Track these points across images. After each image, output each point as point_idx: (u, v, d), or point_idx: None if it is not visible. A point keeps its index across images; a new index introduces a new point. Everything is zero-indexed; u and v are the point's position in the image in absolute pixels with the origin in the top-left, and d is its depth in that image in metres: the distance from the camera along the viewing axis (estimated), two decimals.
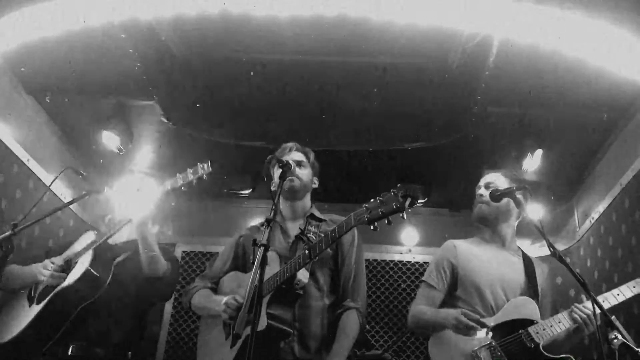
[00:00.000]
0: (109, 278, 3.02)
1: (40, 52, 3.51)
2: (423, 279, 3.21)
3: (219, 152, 4.62)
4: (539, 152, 4.08)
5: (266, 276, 2.80)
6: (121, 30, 3.39)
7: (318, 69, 3.78)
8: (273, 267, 2.87)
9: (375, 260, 5.10)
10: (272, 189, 3.28)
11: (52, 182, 3.23)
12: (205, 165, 3.01)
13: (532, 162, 4.12)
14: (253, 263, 2.87)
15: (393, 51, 3.54)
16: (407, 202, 2.44)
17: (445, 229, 5.22)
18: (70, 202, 3.35)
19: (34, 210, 3.09)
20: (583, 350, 3.91)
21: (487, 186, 3.19)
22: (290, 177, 3.12)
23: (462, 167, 4.65)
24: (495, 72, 3.54)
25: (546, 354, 2.78)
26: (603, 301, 2.79)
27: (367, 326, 4.85)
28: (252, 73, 3.84)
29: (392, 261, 5.13)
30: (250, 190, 5.12)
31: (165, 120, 4.25)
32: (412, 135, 4.35)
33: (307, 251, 2.73)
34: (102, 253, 3.09)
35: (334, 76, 3.83)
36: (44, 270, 3.07)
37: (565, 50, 3.25)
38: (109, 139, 4.18)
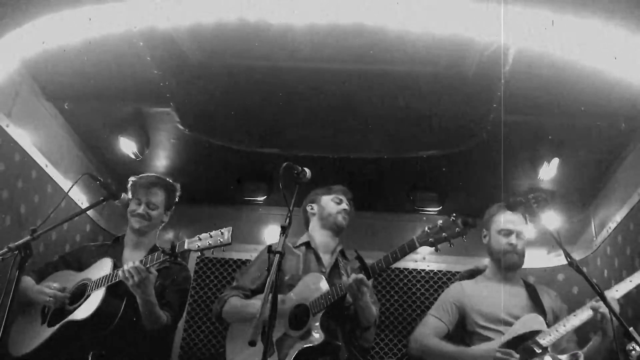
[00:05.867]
0: (119, 315, 3.08)
1: (60, 59, 3.55)
2: (430, 312, 3.39)
3: (235, 158, 4.65)
4: (555, 161, 4.05)
5: (315, 295, 3.06)
6: (140, 38, 3.42)
7: (334, 77, 3.79)
8: (321, 287, 3.09)
9: (389, 268, 5.07)
10: (309, 210, 3.73)
11: (70, 189, 3.28)
12: (227, 233, 2.95)
13: (549, 171, 4.10)
14: (290, 286, 3.06)
15: (409, 59, 3.54)
16: (467, 228, 2.67)
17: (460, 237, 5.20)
18: (88, 208, 3.40)
19: (52, 215, 3.12)
20: None
21: (519, 235, 3.29)
22: (343, 216, 3.56)
23: (478, 176, 4.63)
24: (511, 81, 3.52)
25: (554, 354, 2.89)
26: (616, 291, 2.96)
27: (380, 334, 4.84)
28: (267, 80, 3.86)
29: (406, 269, 5.11)
30: (265, 196, 5.14)
31: (181, 127, 4.28)
32: (427, 142, 4.34)
33: (363, 271, 2.96)
34: (115, 287, 3.12)
35: (350, 84, 3.84)
36: (46, 297, 3.15)
37: (582, 59, 3.23)
38: (126, 145, 4.22)
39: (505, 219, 3.37)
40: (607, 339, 2.93)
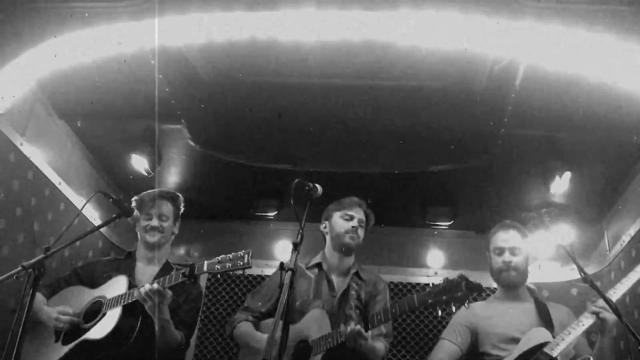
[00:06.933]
0: (134, 334, 3.09)
1: (73, 78, 3.60)
2: (442, 336, 3.36)
3: (246, 174, 4.67)
4: (567, 175, 4.04)
5: (317, 335, 3.02)
6: (151, 56, 3.46)
7: (344, 93, 3.81)
8: (323, 327, 3.05)
9: (401, 283, 5.06)
10: (322, 228, 3.61)
11: (83, 207, 3.30)
12: (246, 257, 2.93)
13: (561, 185, 4.09)
14: (300, 312, 3.03)
15: (419, 74, 3.55)
16: (471, 293, 2.57)
17: (471, 251, 5.18)
18: (101, 226, 3.40)
19: (65, 233, 3.14)
20: None
21: (512, 252, 3.30)
22: (352, 235, 3.42)
23: (489, 190, 4.62)
24: (522, 95, 3.52)
25: None
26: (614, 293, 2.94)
27: (392, 350, 4.81)
28: (277, 97, 3.88)
29: (418, 284, 5.08)
30: (276, 212, 5.15)
31: (192, 144, 4.31)
32: (438, 157, 4.34)
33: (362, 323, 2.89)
34: (131, 307, 3.12)
35: (360, 99, 3.85)
36: (60, 324, 3.16)
37: (593, 73, 3.22)
38: (138, 162, 4.25)
39: (498, 238, 3.40)
40: (607, 339, 2.94)
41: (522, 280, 3.35)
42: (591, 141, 3.93)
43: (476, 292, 2.67)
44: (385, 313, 2.89)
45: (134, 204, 3.61)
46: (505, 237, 3.38)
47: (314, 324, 3.12)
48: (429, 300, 2.70)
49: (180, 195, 3.71)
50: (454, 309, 2.68)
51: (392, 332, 3.38)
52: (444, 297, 2.66)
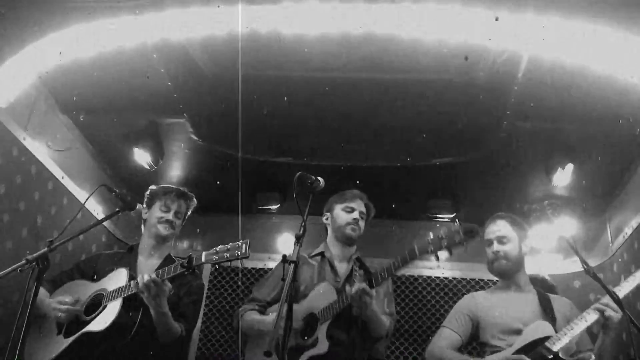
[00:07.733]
0: (135, 326, 3.10)
1: (75, 72, 3.60)
2: (444, 324, 3.37)
3: (248, 168, 4.66)
4: (569, 167, 4.03)
5: (323, 304, 3.08)
6: (153, 50, 3.45)
7: (345, 86, 3.80)
8: (330, 297, 3.11)
9: (404, 276, 5.06)
10: (324, 220, 3.67)
11: (86, 200, 3.31)
12: (244, 246, 2.92)
13: (563, 177, 4.08)
14: (305, 296, 3.09)
15: (421, 67, 3.54)
16: (469, 237, 2.63)
17: (474, 244, 5.17)
18: (104, 219, 3.42)
19: (68, 227, 3.16)
20: None
21: (500, 241, 3.32)
22: (353, 227, 3.48)
23: (492, 182, 4.61)
24: (524, 87, 3.51)
25: (566, 357, 2.88)
26: (620, 290, 2.91)
27: (395, 342, 4.83)
28: (280, 90, 3.88)
29: (420, 276, 5.09)
30: (278, 205, 5.15)
31: (194, 137, 4.31)
32: (440, 150, 4.34)
33: (368, 280, 2.97)
34: (131, 299, 3.13)
35: (362, 93, 3.85)
36: (58, 312, 3.19)
37: (595, 65, 3.22)
38: (141, 156, 4.26)
39: (488, 231, 3.42)
40: (609, 337, 2.93)
41: (514, 268, 3.33)
42: (594, 133, 3.92)
43: (472, 234, 2.76)
44: (389, 269, 2.96)
45: (150, 192, 3.61)
46: (492, 229, 3.40)
47: (321, 296, 3.19)
48: (430, 248, 2.78)
49: (195, 199, 3.73)
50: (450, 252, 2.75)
51: (395, 313, 3.44)
52: (444, 244, 2.75)
